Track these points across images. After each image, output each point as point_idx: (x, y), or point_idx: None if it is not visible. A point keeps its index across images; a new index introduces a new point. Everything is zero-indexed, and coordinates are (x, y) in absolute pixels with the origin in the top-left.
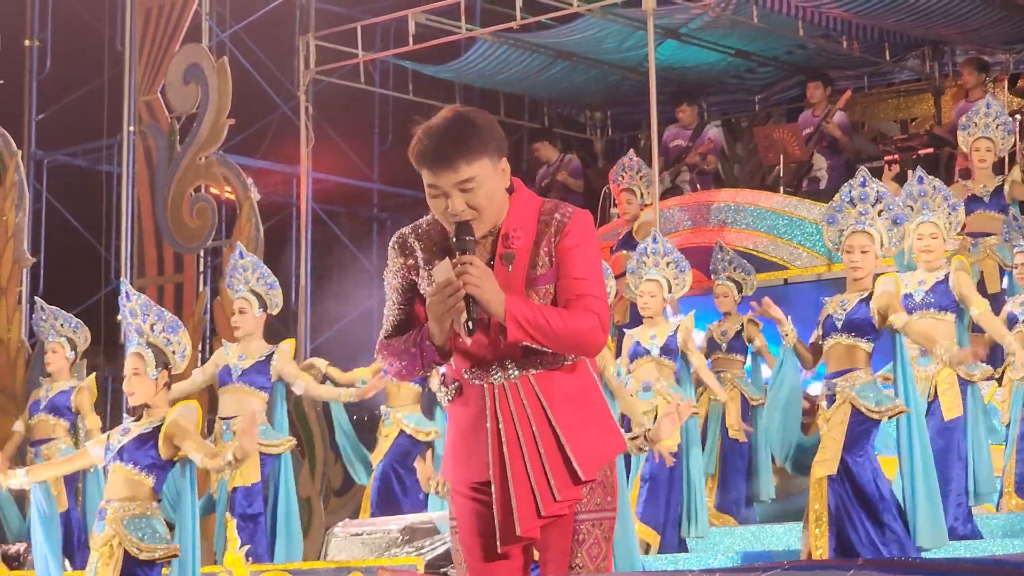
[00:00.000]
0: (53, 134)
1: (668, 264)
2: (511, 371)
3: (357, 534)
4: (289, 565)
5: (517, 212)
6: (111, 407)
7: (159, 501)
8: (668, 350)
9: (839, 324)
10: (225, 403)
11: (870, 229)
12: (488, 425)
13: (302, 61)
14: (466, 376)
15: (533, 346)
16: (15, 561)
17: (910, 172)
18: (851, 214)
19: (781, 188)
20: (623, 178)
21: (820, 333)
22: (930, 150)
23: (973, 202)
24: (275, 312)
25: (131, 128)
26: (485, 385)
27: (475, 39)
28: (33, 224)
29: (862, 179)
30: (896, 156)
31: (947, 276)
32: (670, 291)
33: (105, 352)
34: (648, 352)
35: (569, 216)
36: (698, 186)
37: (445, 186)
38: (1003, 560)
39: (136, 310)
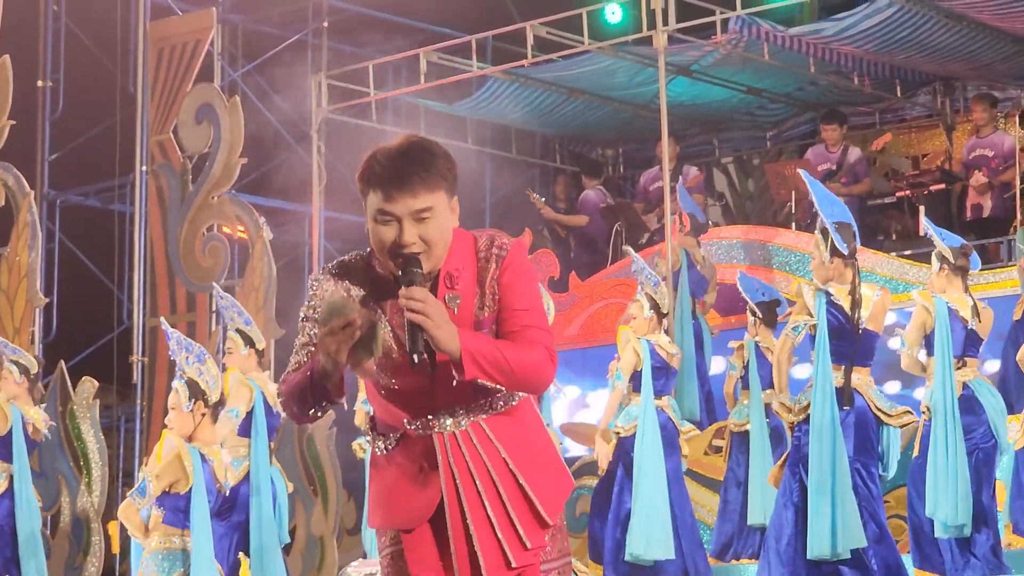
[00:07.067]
0: (66, 174)
1: None
2: (461, 419)
3: (371, 574)
4: None
5: (456, 250)
6: (124, 446)
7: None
8: None
9: None
10: None
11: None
12: (443, 478)
13: (314, 100)
14: (410, 427)
15: (486, 385)
16: None
17: (921, 208)
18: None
19: (793, 224)
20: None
21: None
22: (942, 186)
23: None
24: (261, 347)
25: (143, 168)
26: (434, 435)
27: (486, 77)
28: (46, 264)
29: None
30: (908, 192)
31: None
32: None
33: (118, 391)
34: None
35: (507, 248)
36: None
37: (400, 212)
38: None
39: (175, 347)
